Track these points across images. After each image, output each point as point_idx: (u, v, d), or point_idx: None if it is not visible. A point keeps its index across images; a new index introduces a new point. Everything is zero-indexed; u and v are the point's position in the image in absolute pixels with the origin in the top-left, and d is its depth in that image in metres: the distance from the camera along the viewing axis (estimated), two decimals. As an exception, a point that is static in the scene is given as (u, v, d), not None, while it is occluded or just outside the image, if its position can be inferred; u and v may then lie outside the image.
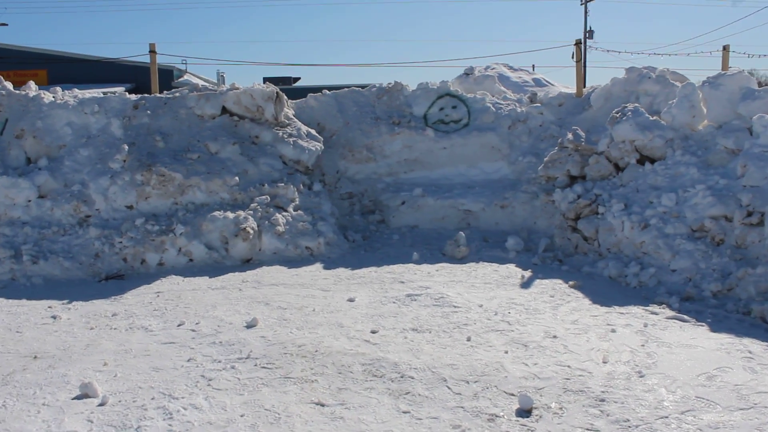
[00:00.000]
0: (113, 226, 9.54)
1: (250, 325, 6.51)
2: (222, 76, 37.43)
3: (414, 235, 10.84)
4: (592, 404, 4.72)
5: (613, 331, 6.24)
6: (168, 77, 31.97)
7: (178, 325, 6.67)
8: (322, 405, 4.79)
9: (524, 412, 4.61)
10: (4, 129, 11.37)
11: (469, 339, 6.03)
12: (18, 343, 6.36)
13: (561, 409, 4.67)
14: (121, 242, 9.17)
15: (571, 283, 7.93)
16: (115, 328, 6.70)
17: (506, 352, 5.71)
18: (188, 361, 5.69)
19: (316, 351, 5.79)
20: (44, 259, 9.01)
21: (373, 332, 6.27)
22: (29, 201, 9.96)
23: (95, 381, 5.19)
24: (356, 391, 5.02)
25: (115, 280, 8.73)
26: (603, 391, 4.91)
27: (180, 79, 31.32)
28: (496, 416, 4.58)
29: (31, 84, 12.32)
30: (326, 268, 8.98)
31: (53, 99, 11.57)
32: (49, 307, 7.60)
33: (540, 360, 5.54)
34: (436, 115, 12.63)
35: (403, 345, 5.93)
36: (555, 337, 6.08)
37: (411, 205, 11.35)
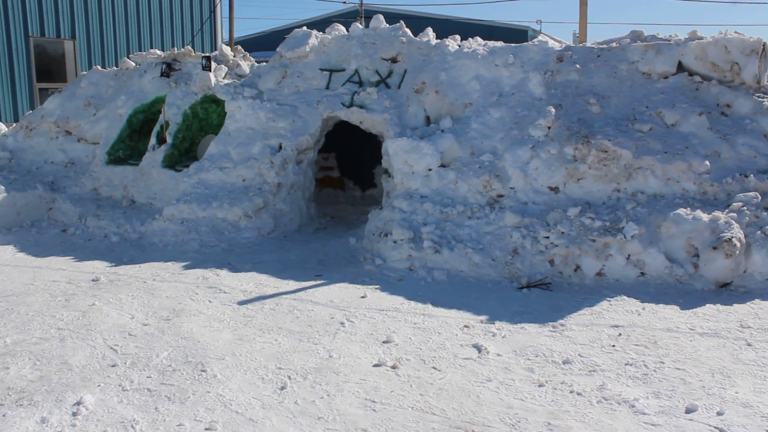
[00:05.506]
0: (533, 213, 7.26)
1: (833, 445, 3.65)
2: (578, 37, 34.58)
3: None
4: None
5: None
6: (522, 38, 29.86)
7: (687, 411, 4.05)
8: None
9: None
10: (402, 81, 9.77)
11: None
12: (440, 395, 4.29)
13: None
14: (547, 237, 6.83)
15: None
16: (578, 393, 4.31)
17: None
18: None
19: None
20: (449, 248, 7.06)
21: None
22: (430, 170, 8.14)
23: None
24: None
25: (539, 289, 6.46)
26: None
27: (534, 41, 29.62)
28: None
29: (429, 31, 10.59)
30: None
31: (458, 47, 9.65)
32: (466, 326, 5.52)
33: None
34: None
35: None
36: None
37: None
